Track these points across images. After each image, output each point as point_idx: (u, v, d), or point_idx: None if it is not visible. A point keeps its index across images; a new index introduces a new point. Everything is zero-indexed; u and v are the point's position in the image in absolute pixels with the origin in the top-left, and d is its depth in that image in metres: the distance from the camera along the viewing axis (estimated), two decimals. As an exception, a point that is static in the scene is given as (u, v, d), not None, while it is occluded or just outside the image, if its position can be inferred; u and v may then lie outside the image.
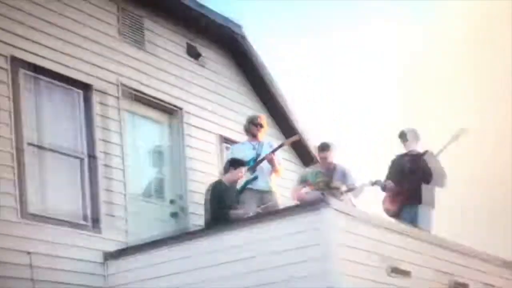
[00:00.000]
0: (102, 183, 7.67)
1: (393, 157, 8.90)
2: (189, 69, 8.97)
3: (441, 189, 8.68)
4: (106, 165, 7.75)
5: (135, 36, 8.38)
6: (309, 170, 8.97)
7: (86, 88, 7.76)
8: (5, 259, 6.68)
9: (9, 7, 7.19)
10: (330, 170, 8.46)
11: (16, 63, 7.16)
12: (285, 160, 9.39)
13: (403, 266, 6.91)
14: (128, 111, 8.26)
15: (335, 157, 8.60)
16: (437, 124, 13.69)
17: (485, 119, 14.37)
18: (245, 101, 9.65)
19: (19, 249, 6.82)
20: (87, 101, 7.75)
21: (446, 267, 7.54)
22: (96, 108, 7.79)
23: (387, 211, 8.66)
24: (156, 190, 8.66)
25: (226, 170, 8.08)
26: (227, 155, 8.71)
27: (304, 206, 7.09)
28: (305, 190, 8.48)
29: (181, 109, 8.77)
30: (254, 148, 8.30)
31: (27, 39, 7.30)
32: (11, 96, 7.06)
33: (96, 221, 7.57)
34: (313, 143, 9.83)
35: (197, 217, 8.45)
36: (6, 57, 7.08)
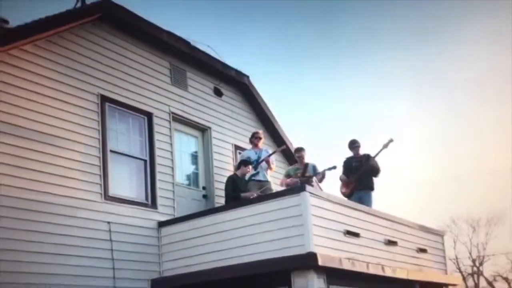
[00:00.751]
0: (158, 176, 7.61)
1: (344, 159, 8.77)
2: (215, 103, 8.91)
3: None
4: (160, 164, 7.70)
5: (180, 81, 8.35)
6: (291, 167, 8.92)
7: (148, 115, 7.72)
8: (92, 227, 6.65)
9: (100, 56, 7.19)
10: (304, 165, 8.33)
11: (103, 99, 7.15)
12: (277, 161, 9.30)
13: (353, 230, 6.83)
14: (175, 129, 8.21)
15: (307, 156, 8.47)
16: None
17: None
18: (250, 123, 9.57)
19: (102, 220, 6.78)
20: (149, 123, 7.71)
21: (382, 230, 7.44)
22: (155, 128, 7.74)
23: (343, 194, 8.58)
24: (193, 181, 8.57)
25: (238, 167, 8.03)
26: (239, 158, 8.64)
27: (289, 190, 7.00)
28: (289, 180, 8.34)
29: (210, 128, 8.71)
30: (256, 153, 8.28)
31: (110, 82, 7.29)
32: (99, 120, 7.04)
33: (153, 201, 7.50)
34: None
35: (220, 198, 8.36)
36: (97, 95, 7.06)
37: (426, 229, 8.71)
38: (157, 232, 7.33)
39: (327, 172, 8.27)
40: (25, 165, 6.13)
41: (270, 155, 8.29)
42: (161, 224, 7.37)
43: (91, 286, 6.42)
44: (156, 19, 7.78)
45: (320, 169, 8.29)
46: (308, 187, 6.48)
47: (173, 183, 7.80)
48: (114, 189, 7.00)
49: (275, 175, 8.76)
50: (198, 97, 8.57)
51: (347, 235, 6.70)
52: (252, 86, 9.51)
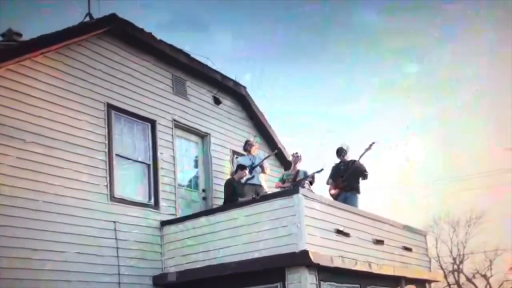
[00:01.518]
0: (160, 179, 7.63)
1: (332, 164, 8.80)
2: (214, 111, 8.93)
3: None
4: (163, 168, 7.72)
5: (182, 91, 8.38)
6: (284, 172, 9.00)
7: (152, 122, 7.75)
8: (99, 226, 6.67)
9: (107, 67, 7.21)
10: (296, 172, 8.39)
11: (110, 107, 7.18)
12: (272, 165, 9.36)
13: (344, 229, 6.87)
14: (177, 136, 8.23)
15: (301, 161, 8.46)
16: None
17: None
18: (247, 129, 9.60)
19: (108, 219, 6.81)
20: (153, 130, 7.74)
21: (370, 230, 7.50)
22: (158, 134, 7.76)
23: (331, 195, 8.59)
24: (194, 183, 8.57)
25: (235, 172, 8.06)
26: (236, 162, 8.65)
27: (283, 192, 7.04)
28: (283, 184, 8.40)
29: (209, 134, 8.74)
30: (250, 159, 8.31)
31: (116, 92, 7.32)
32: (106, 127, 7.08)
33: (156, 202, 7.53)
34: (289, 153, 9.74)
35: (218, 200, 8.38)
36: (104, 103, 7.09)
37: (411, 229, 8.78)
38: (159, 231, 7.36)
39: (316, 175, 8.34)
40: (38, 169, 6.17)
41: (263, 160, 8.34)
42: (163, 224, 7.40)
43: (97, 282, 6.47)
44: (156, 30, 7.83)
45: (310, 173, 8.35)
46: (301, 190, 6.54)
47: (174, 186, 7.83)
48: (120, 191, 7.03)
49: (270, 178, 8.82)
50: (198, 106, 8.61)
51: (337, 234, 6.75)
52: (249, 95, 9.57)
